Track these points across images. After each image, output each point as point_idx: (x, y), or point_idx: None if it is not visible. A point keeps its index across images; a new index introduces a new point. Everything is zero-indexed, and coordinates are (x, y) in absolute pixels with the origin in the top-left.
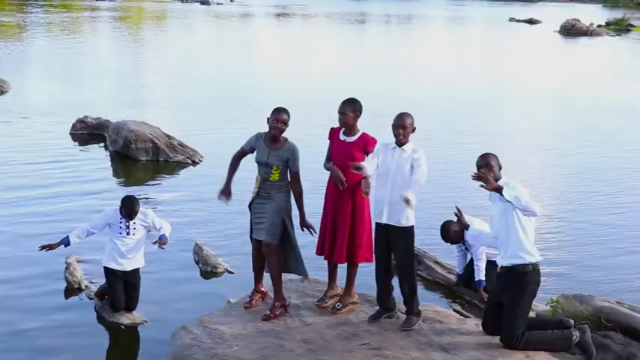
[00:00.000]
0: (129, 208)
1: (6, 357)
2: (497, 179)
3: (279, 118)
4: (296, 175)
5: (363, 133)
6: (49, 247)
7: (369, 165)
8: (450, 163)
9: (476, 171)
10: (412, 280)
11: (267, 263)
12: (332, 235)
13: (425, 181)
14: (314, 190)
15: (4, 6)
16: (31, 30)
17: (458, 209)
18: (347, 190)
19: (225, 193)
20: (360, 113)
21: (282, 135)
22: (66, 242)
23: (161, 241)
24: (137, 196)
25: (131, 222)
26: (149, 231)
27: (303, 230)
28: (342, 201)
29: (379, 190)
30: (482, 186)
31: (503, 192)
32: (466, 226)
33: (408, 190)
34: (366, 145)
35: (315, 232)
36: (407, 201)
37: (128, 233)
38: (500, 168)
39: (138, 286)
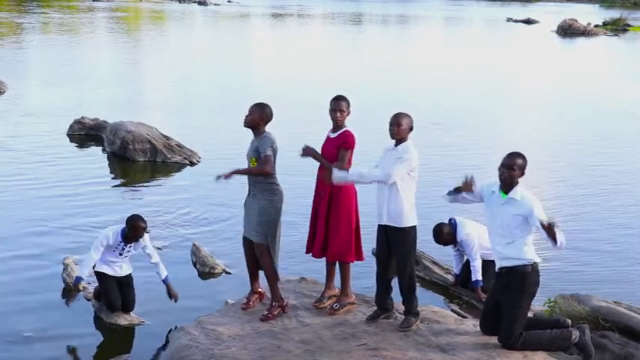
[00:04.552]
0: (136, 232)
1: (3, 357)
2: (514, 183)
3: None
4: (264, 158)
5: (345, 130)
6: (76, 289)
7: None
8: (446, 164)
9: (500, 169)
10: (411, 280)
11: (261, 264)
12: (313, 230)
13: (395, 176)
14: (306, 189)
15: (1, 6)
16: (28, 30)
17: (471, 179)
18: (325, 188)
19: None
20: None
21: (265, 131)
22: (80, 279)
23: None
24: (134, 197)
25: (127, 245)
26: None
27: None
28: (323, 196)
29: (379, 192)
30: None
31: (558, 237)
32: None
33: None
34: (343, 140)
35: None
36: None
37: (121, 254)
38: (522, 173)
39: (132, 285)
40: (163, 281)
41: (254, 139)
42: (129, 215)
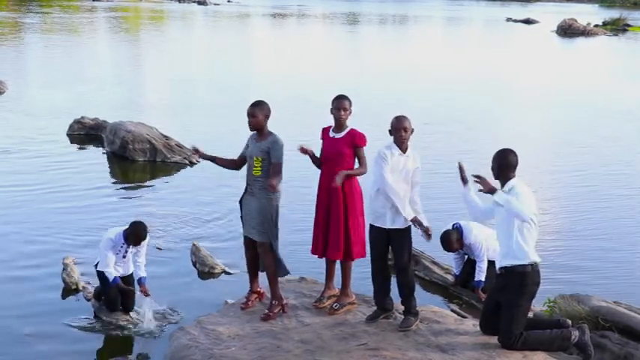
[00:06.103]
0: (138, 236)
1: (3, 357)
2: (508, 178)
3: (248, 111)
4: (276, 166)
5: (352, 129)
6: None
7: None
8: (449, 165)
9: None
10: (411, 280)
11: (262, 262)
12: (325, 232)
13: None
14: (305, 189)
15: (1, 6)
16: (28, 30)
17: (460, 164)
18: (337, 189)
19: (200, 154)
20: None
21: (268, 129)
22: (117, 280)
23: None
24: (134, 197)
25: (130, 248)
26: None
27: None
28: (335, 197)
29: (381, 197)
30: (480, 190)
31: (495, 196)
32: (466, 181)
33: (419, 214)
34: (354, 139)
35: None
36: (421, 225)
37: (124, 257)
38: (509, 168)
39: (133, 286)
40: (139, 280)
41: (256, 137)
42: (133, 220)
